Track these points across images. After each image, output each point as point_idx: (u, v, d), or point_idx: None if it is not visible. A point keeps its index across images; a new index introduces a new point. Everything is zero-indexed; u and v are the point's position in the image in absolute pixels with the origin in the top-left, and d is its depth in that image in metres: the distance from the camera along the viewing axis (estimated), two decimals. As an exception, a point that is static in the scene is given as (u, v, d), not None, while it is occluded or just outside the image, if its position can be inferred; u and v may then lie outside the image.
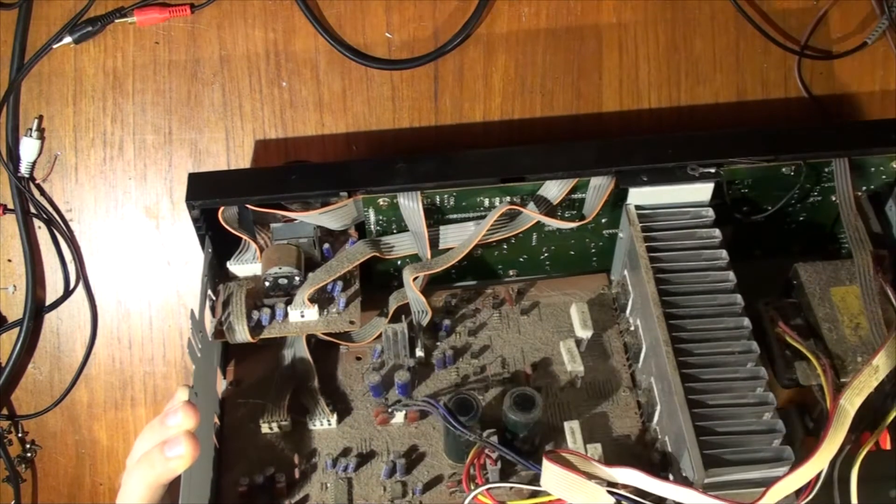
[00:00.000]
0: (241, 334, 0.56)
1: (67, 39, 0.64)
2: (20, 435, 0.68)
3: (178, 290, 0.68)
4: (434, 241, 0.60)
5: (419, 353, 0.60)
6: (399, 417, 0.58)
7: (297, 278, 0.58)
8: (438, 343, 0.61)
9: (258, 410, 0.58)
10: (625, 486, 0.50)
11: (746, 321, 0.55)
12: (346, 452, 0.57)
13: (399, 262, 0.62)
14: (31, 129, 0.65)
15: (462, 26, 0.66)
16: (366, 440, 0.58)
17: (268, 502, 0.55)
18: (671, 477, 0.54)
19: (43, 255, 0.67)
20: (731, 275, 0.56)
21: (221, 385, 0.60)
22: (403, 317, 0.60)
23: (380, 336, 0.60)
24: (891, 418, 0.55)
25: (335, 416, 0.57)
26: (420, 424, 0.58)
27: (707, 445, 0.50)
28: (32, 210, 0.66)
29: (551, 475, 0.51)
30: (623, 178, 0.57)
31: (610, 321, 0.62)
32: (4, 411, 0.68)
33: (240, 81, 0.66)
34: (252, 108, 0.67)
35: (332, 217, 0.58)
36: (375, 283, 0.63)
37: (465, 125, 0.68)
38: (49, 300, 0.67)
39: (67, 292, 0.67)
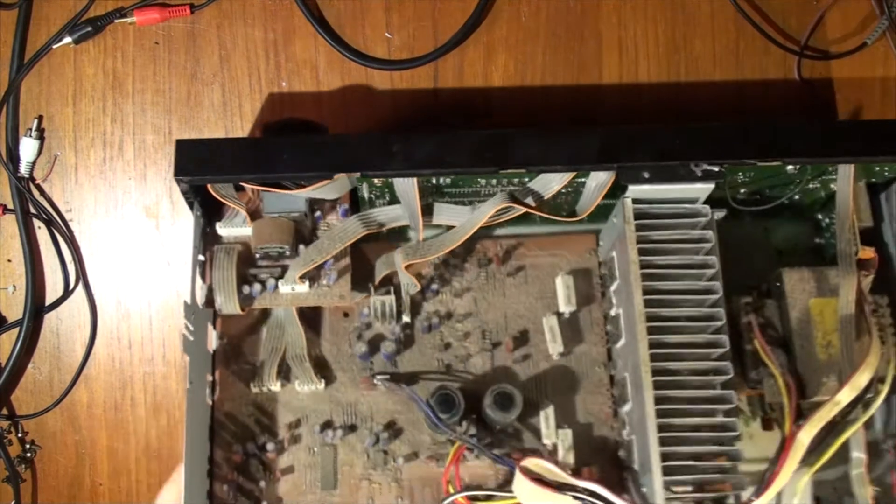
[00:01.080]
0: (231, 306, 0.57)
1: (67, 39, 0.64)
2: (20, 435, 0.68)
3: (177, 290, 0.68)
4: (427, 214, 0.60)
5: (405, 318, 0.61)
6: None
7: (288, 251, 0.58)
8: (424, 302, 0.62)
9: (249, 372, 0.60)
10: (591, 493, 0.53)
11: (725, 340, 0.55)
12: (332, 418, 0.60)
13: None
14: (30, 129, 0.65)
15: (462, 26, 0.66)
16: (351, 404, 0.61)
17: (260, 467, 0.59)
18: (631, 479, 0.58)
19: (43, 255, 0.67)
20: (718, 286, 0.56)
21: (213, 343, 0.60)
22: (392, 287, 0.61)
23: (368, 296, 0.61)
24: (831, 452, 0.56)
25: (322, 381, 0.60)
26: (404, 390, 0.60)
27: (669, 471, 0.53)
28: (32, 210, 0.66)
29: (523, 486, 0.53)
30: (624, 173, 0.56)
31: (594, 294, 0.62)
32: (4, 411, 0.68)
33: (240, 81, 0.66)
34: (252, 108, 0.67)
35: (326, 191, 0.58)
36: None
37: (464, 125, 0.68)
38: (49, 300, 0.67)
39: (67, 292, 0.67)
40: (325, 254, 0.58)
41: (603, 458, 0.60)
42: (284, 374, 0.61)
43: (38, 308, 0.67)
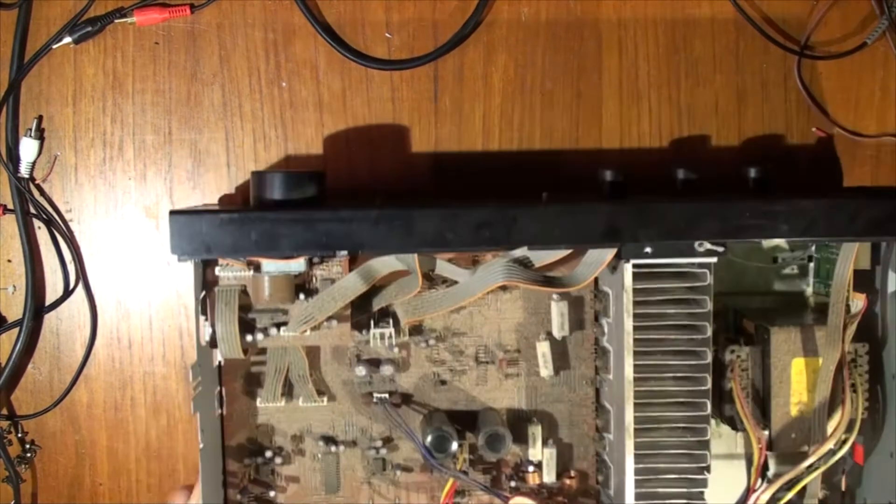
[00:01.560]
0: (235, 352, 0.58)
1: (67, 39, 0.64)
2: (20, 435, 0.68)
3: (177, 290, 0.68)
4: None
5: (404, 337, 0.62)
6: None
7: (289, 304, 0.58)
8: (422, 328, 0.63)
9: (254, 389, 0.62)
10: None
11: (708, 407, 0.57)
12: (334, 432, 0.63)
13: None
14: (30, 130, 0.65)
15: (462, 26, 0.66)
16: (352, 413, 0.64)
17: (270, 474, 0.63)
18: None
19: (43, 255, 0.67)
20: (707, 353, 0.57)
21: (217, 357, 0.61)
22: (389, 315, 0.62)
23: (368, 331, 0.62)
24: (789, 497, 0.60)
25: (324, 398, 0.62)
26: (402, 409, 0.63)
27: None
28: (32, 210, 0.66)
29: None
30: (626, 250, 0.56)
31: (586, 319, 0.63)
32: (4, 411, 0.68)
33: (240, 81, 0.66)
34: (252, 108, 0.67)
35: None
36: None
37: (465, 125, 0.68)
38: (49, 300, 0.67)
39: (67, 292, 0.67)
40: (326, 312, 0.58)
41: (584, 467, 0.65)
42: (288, 391, 0.62)
43: (38, 308, 0.67)
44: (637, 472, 0.58)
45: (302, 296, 0.58)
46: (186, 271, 0.56)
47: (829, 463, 0.59)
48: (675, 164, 0.63)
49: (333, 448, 0.63)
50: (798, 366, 0.60)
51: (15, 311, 0.67)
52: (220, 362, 0.60)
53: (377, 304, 0.61)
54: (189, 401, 0.59)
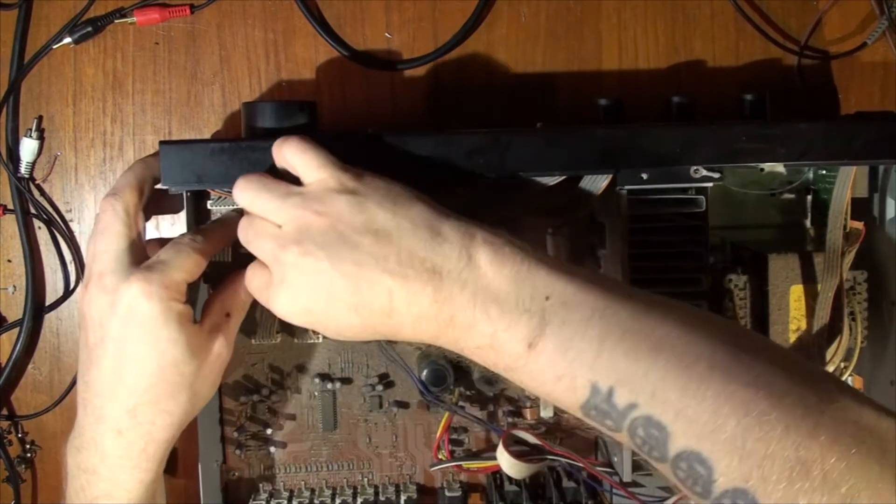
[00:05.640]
0: None
1: (67, 40, 0.64)
2: (20, 435, 0.68)
3: (178, 290, 0.68)
4: None
5: None
6: None
7: None
8: None
9: (250, 326, 0.62)
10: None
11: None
12: (330, 369, 0.64)
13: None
14: (30, 130, 0.65)
15: (462, 26, 0.66)
16: (347, 350, 0.64)
17: (266, 412, 0.64)
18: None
19: (43, 255, 0.67)
20: (704, 281, 0.57)
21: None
22: None
23: None
24: None
25: (320, 336, 0.63)
26: (398, 344, 0.63)
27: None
28: (32, 210, 0.66)
29: (504, 455, 0.59)
30: (622, 176, 0.56)
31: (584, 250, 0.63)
32: (4, 411, 0.68)
33: (240, 81, 0.66)
34: (252, 108, 0.67)
35: None
36: None
37: (464, 125, 0.68)
38: (49, 300, 0.67)
39: (67, 292, 0.67)
40: None
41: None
42: (283, 328, 0.62)
43: (38, 308, 0.67)
44: None
45: None
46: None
47: None
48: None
49: (330, 385, 0.64)
50: (796, 292, 0.60)
51: (15, 311, 0.67)
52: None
53: None
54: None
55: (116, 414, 0.50)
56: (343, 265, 0.45)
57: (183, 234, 0.53)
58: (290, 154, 0.50)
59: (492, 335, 0.44)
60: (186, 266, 0.51)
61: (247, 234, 0.49)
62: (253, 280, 0.50)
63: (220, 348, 0.52)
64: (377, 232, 0.46)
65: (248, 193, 0.49)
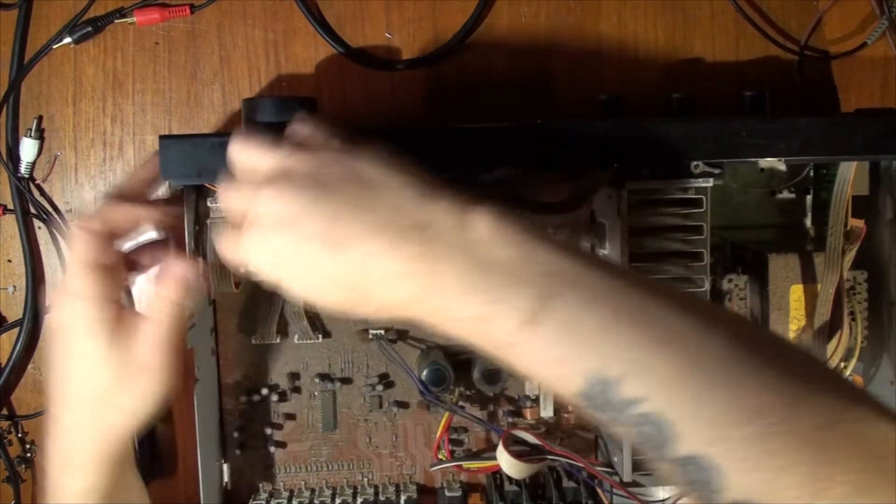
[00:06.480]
0: (226, 286, 0.58)
1: (67, 40, 0.64)
2: (20, 435, 0.68)
3: (177, 290, 0.68)
4: None
5: None
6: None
7: None
8: None
9: (249, 326, 0.63)
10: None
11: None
12: (330, 369, 0.65)
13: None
14: (30, 130, 0.65)
15: (462, 26, 0.66)
16: (348, 350, 0.64)
17: (265, 413, 0.64)
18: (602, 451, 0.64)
19: (43, 255, 0.67)
20: (705, 281, 0.57)
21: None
22: None
23: None
24: None
25: (319, 336, 0.63)
26: (398, 345, 0.63)
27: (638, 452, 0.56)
28: (32, 210, 0.66)
29: (504, 455, 0.59)
30: (622, 171, 0.55)
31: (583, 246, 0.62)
32: (4, 411, 0.68)
33: (240, 81, 0.66)
34: (252, 108, 0.67)
35: None
36: None
37: (464, 125, 0.67)
38: (49, 300, 0.67)
39: (67, 292, 0.67)
40: None
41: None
42: (283, 328, 0.63)
43: (38, 308, 0.67)
44: None
45: None
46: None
47: None
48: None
49: (330, 385, 0.64)
50: (796, 292, 0.60)
51: (15, 311, 0.67)
52: (213, 299, 0.61)
53: None
54: (193, 411, 0.59)
55: (52, 418, 0.51)
56: (320, 208, 0.42)
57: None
58: (303, 125, 0.47)
59: (483, 306, 0.40)
60: (79, 257, 0.49)
61: (227, 190, 0.46)
62: (225, 235, 0.46)
63: (147, 354, 0.49)
64: (362, 183, 0.42)
65: (238, 144, 0.47)
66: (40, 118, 0.66)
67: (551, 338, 0.39)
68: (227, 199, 0.46)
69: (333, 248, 0.41)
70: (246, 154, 0.46)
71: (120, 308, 0.50)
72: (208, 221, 0.58)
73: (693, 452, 0.36)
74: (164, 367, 0.50)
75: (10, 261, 0.67)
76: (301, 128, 0.47)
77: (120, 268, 0.51)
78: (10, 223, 0.66)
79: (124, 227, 0.51)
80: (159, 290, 0.50)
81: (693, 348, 0.38)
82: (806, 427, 0.35)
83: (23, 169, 0.65)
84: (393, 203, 0.42)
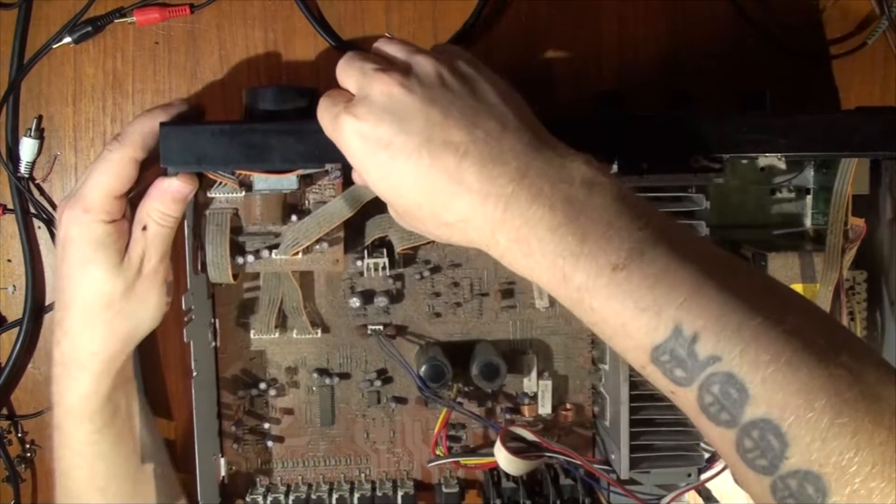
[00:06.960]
0: (224, 276, 0.59)
1: (67, 39, 0.64)
2: (20, 435, 0.68)
3: (177, 289, 0.68)
4: None
5: (398, 268, 0.63)
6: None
7: (280, 224, 0.59)
8: (416, 259, 0.63)
9: (248, 320, 0.63)
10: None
11: None
12: (328, 364, 0.64)
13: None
14: (30, 129, 0.65)
15: (462, 26, 0.66)
16: (346, 352, 0.64)
17: (263, 408, 0.65)
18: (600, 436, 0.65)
19: (43, 255, 0.67)
20: None
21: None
22: (384, 245, 0.62)
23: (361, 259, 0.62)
24: None
25: (318, 331, 0.63)
26: (397, 340, 0.64)
27: (636, 449, 0.58)
28: (32, 210, 0.66)
29: (502, 451, 0.59)
30: (622, 165, 0.55)
31: None
32: (4, 411, 0.68)
33: (240, 82, 0.66)
34: (252, 108, 0.67)
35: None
36: None
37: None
38: (49, 300, 0.67)
39: (67, 292, 0.67)
40: (313, 237, 0.58)
41: (580, 399, 0.66)
42: (282, 322, 0.63)
43: (38, 308, 0.67)
44: (633, 398, 0.58)
45: (295, 217, 0.59)
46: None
47: None
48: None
49: (328, 380, 0.64)
50: None
51: (15, 311, 0.67)
52: (212, 293, 0.62)
53: (371, 235, 0.61)
54: (191, 405, 0.59)
55: (56, 325, 0.55)
56: (434, 110, 0.43)
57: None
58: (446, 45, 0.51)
59: (572, 245, 0.40)
60: (102, 182, 0.52)
61: (351, 59, 0.48)
62: (329, 99, 0.48)
63: (151, 265, 0.53)
64: (479, 101, 0.44)
65: (389, 37, 0.50)
66: (40, 118, 0.66)
67: (638, 286, 0.39)
68: (348, 67, 0.48)
69: (433, 148, 0.43)
70: (392, 44, 0.48)
71: (125, 222, 0.54)
72: (207, 211, 0.58)
73: (764, 416, 0.36)
74: (167, 278, 0.54)
75: (9, 261, 0.67)
76: (443, 46, 0.50)
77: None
78: (10, 223, 0.66)
79: (153, 158, 0.54)
80: (156, 204, 0.53)
81: (779, 319, 0.37)
82: (881, 411, 0.35)
83: (23, 169, 0.65)
84: (503, 128, 0.43)
